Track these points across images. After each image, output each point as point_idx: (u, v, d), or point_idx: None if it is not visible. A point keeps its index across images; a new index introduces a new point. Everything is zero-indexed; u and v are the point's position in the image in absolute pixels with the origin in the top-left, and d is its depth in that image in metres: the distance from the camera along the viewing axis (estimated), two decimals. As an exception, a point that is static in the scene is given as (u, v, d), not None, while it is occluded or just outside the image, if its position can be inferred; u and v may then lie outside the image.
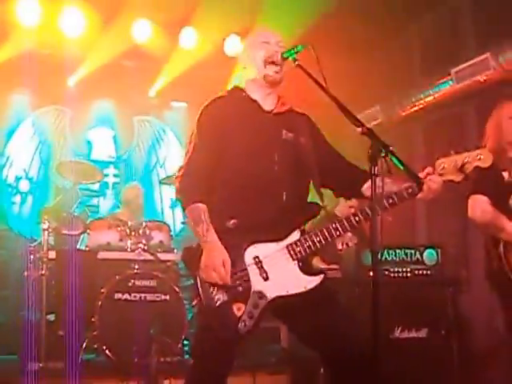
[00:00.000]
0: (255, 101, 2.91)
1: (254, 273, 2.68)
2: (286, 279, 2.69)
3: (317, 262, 5.21)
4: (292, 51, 2.75)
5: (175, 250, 5.56)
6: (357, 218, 2.69)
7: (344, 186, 3.00)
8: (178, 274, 5.15)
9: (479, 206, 3.69)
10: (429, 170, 2.66)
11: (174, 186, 2.85)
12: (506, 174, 3.69)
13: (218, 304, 2.64)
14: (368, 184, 2.82)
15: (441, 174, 2.65)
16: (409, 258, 4.92)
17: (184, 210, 2.80)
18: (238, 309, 2.63)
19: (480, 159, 2.63)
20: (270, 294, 2.67)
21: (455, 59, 5.90)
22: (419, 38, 6.84)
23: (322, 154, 2.94)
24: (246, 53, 2.98)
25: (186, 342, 4.86)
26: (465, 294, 5.57)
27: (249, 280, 2.67)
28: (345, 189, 3.03)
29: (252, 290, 2.66)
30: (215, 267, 2.63)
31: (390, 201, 2.67)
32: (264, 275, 2.68)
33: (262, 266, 2.69)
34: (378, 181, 2.34)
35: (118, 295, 4.81)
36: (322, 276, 2.74)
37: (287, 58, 2.76)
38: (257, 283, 2.67)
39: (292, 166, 2.85)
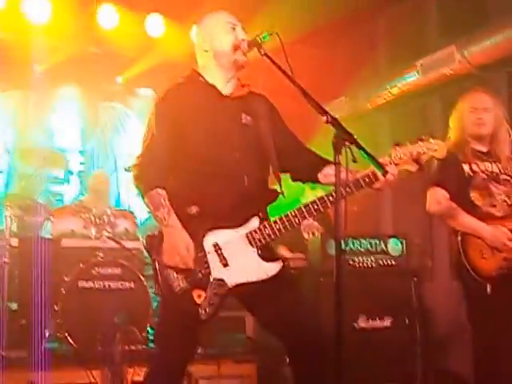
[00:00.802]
0: (213, 86, 2.88)
1: (213, 260, 2.69)
2: (246, 266, 2.70)
3: (282, 251, 5.28)
4: (265, 36, 2.72)
5: (140, 238, 5.52)
6: (315, 206, 2.69)
7: (300, 169, 2.99)
8: (143, 262, 5.11)
9: (435, 199, 3.73)
10: (384, 159, 2.67)
11: (132, 174, 2.81)
12: (466, 167, 3.75)
13: (177, 291, 2.64)
14: (324, 171, 2.88)
15: (397, 164, 2.68)
16: (374, 248, 4.97)
17: (143, 197, 2.77)
18: (198, 296, 2.63)
19: (435, 150, 2.67)
20: (230, 281, 2.67)
21: (421, 51, 5.96)
22: (385, 29, 6.90)
23: (280, 136, 2.94)
24: (211, 36, 2.91)
25: (150, 331, 4.84)
26: (429, 284, 5.66)
27: (208, 267, 2.67)
28: (301, 173, 3.01)
29: (212, 277, 2.67)
30: (178, 251, 2.63)
31: (347, 189, 2.67)
32: (224, 262, 2.69)
33: (221, 253, 2.69)
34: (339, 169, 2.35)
35: (81, 283, 4.76)
36: (281, 263, 2.75)
37: (256, 44, 2.73)
38: (216, 270, 2.68)
39: (252, 151, 2.84)
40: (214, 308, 2.64)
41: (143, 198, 2.77)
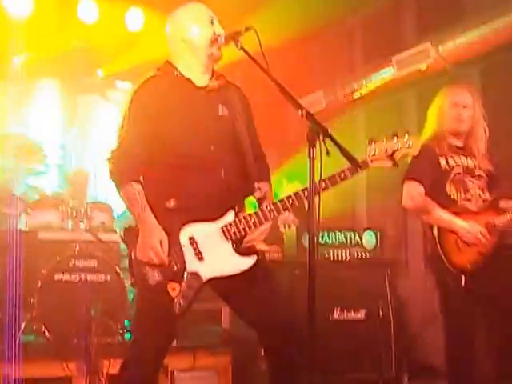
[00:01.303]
0: (188, 78, 2.87)
1: (188, 253, 2.69)
2: (221, 260, 2.72)
3: (258, 244, 5.30)
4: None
5: (118, 231, 5.52)
6: (290, 201, 2.70)
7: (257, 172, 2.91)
8: (120, 255, 5.12)
9: (409, 193, 3.77)
10: (359, 156, 2.68)
11: (107, 168, 2.80)
12: (443, 161, 3.80)
13: (152, 284, 2.65)
14: (259, 185, 2.89)
15: (372, 160, 2.70)
16: (348, 241, 5.03)
17: (118, 190, 2.76)
18: (173, 289, 2.64)
19: (409, 147, 2.70)
20: (205, 274, 2.68)
21: (397, 47, 6.01)
22: (362, 25, 6.93)
23: (249, 133, 2.93)
24: (188, 27, 2.88)
25: (126, 323, 4.85)
26: (403, 276, 5.73)
27: (184, 260, 2.68)
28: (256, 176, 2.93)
29: (187, 270, 2.68)
30: (152, 246, 2.63)
31: (323, 185, 2.66)
32: (199, 256, 2.69)
33: (196, 247, 2.70)
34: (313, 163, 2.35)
35: (58, 276, 4.75)
36: (255, 257, 2.75)
37: (231, 39, 2.73)
38: (191, 264, 2.69)
39: (229, 143, 2.84)
40: (188, 301, 2.65)
41: (118, 191, 2.77)
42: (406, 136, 2.70)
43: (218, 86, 2.91)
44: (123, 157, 2.77)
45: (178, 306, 2.63)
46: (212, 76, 2.93)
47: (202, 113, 2.84)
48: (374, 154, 2.69)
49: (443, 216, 3.69)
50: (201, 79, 2.89)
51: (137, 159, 2.77)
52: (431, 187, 3.75)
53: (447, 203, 3.72)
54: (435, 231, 3.71)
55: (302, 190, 2.70)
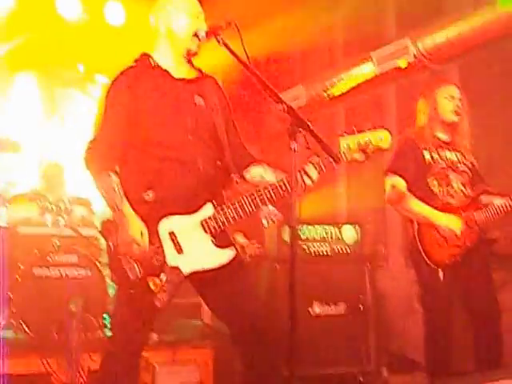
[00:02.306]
0: (165, 69, 2.87)
1: (168, 246, 2.69)
2: (201, 254, 2.71)
3: (238, 238, 5.32)
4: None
5: (97, 226, 5.49)
6: (268, 194, 2.71)
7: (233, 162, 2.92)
8: (100, 250, 5.09)
9: (390, 187, 3.82)
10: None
11: (84, 158, 2.79)
12: (427, 154, 3.82)
13: (132, 279, 2.64)
14: (252, 172, 2.91)
15: (345, 154, 2.71)
16: (329, 236, 5.06)
17: (95, 181, 2.74)
18: (154, 284, 2.63)
19: (380, 140, 2.72)
20: (185, 268, 2.68)
21: (377, 43, 6.05)
22: (342, 20, 6.96)
23: (225, 121, 2.94)
24: (171, 19, 2.89)
25: (107, 318, 4.83)
26: (382, 270, 5.78)
27: (163, 254, 2.68)
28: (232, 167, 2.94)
29: (166, 264, 2.67)
30: (133, 239, 2.62)
31: (304, 177, 2.69)
32: (178, 249, 2.69)
33: (176, 240, 2.69)
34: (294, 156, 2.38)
35: (37, 271, 4.70)
36: (234, 249, 2.77)
37: (212, 34, 2.74)
38: (171, 258, 2.68)
39: (206, 133, 2.85)
40: (168, 295, 2.64)
41: (95, 182, 2.75)
42: (378, 130, 2.72)
43: (194, 78, 2.92)
44: (99, 147, 2.77)
45: (158, 300, 2.62)
46: (189, 67, 2.94)
47: (178, 103, 2.84)
48: (348, 148, 2.70)
49: (424, 211, 3.73)
50: (178, 70, 2.89)
51: (113, 150, 2.77)
52: (414, 181, 3.78)
53: (429, 198, 3.76)
54: (415, 225, 3.76)
55: (279, 183, 2.70)
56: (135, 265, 2.64)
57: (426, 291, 3.86)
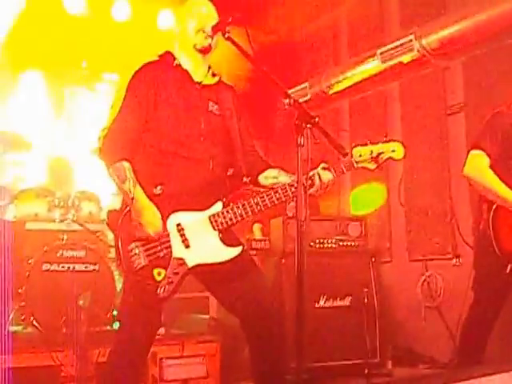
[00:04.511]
0: (185, 70, 2.94)
1: (175, 240, 2.74)
2: (207, 249, 2.76)
3: (256, 230, 5.38)
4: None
5: (104, 221, 5.53)
6: (277, 195, 2.76)
7: (246, 169, 2.96)
8: (107, 245, 5.14)
9: (473, 163, 3.62)
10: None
11: (98, 146, 2.87)
12: None
13: (137, 267, 2.69)
14: (265, 173, 2.98)
15: (357, 162, 2.83)
16: (334, 230, 5.10)
17: (108, 169, 2.79)
18: (158, 274, 2.69)
19: (393, 151, 2.83)
20: (190, 261, 2.73)
21: (381, 40, 6.07)
22: (346, 17, 6.98)
23: (239, 130, 2.99)
24: (180, 20, 2.99)
25: (114, 312, 4.88)
26: (387, 264, 5.83)
27: (170, 246, 2.73)
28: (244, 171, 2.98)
29: (172, 256, 2.72)
30: (147, 220, 2.68)
31: (310, 182, 2.75)
32: (185, 243, 2.74)
33: (183, 234, 2.74)
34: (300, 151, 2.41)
35: (46, 266, 4.76)
36: (241, 247, 2.80)
37: (218, 29, 2.79)
38: (178, 250, 2.73)
39: (218, 137, 2.90)
40: (172, 286, 2.69)
41: (108, 170, 2.79)
42: (392, 142, 2.85)
43: (212, 84, 2.98)
44: (114, 135, 2.82)
45: (162, 290, 2.68)
46: (208, 72, 3.00)
47: (193, 105, 2.89)
48: (359, 156, 2.82)
49: (504, 192, 3.49)
50: (196, 73, 2.95)
51: (128, 139, 2.81)
52: (498, 159, 3.56)
53: (508, 179, 3.53)
54: (491, 213, 3.54)
55: (289, 185, 2.76)
56: (141, 255, 2.69)
57: (484, 279, 3.64)
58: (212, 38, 2.86)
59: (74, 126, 7.76)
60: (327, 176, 2.79)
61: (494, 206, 3.53)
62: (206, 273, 2.82)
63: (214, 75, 3.02)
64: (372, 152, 2.83)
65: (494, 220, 3.52)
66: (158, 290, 2.68)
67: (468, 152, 3.66)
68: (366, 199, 6.18)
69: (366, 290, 4.93)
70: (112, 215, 2.81)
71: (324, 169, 2.80)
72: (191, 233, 2.75)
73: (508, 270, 3.46)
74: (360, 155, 2.83)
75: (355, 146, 2.84)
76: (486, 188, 3.57)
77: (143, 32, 7.12)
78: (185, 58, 2.96)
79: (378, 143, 2.85)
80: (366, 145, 2.84)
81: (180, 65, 2.95)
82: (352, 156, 2.82)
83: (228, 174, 2.93)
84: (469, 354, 3.66)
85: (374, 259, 5.03)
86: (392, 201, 6.03)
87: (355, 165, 2.84)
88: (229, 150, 2.92)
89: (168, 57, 2.98)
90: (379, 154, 2.82)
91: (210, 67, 3.02)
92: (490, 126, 3.64)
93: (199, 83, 2.95)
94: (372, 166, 2.86)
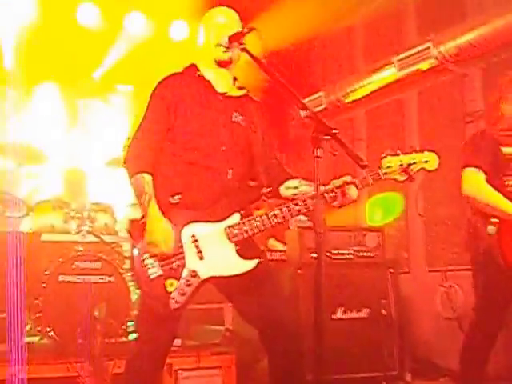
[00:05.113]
0: (208, 81, 2.94)
1: (189, 251, 2.72)
2: (221, 261, 2.74)
3: (273, 242, 5.35)
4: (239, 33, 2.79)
5: (119, 232, 5.54)
6: (297, 207, 2.73)
7: (267, 180, 2.95)
8: (123, 256, 5.14)
9: (469, 180, 3.62)
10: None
11: (123, 155, 2.89)
12: (504, 148, 3.61)
13: (150, 277, 2.68)
14: (286, 184, 2.94)
15: (385, 173, 2.74)
16: (351, 240, 5.05)
17: (129, 179, 2.81)
18: (170, 285, 2.68)
19: (426, 162, 2.75)
20: (204, 273, 2.71)
21: (398, 47, 6.04)
22: (362, 25, 6.96)
23: (263, 143, 2.98)
24: (201, 32, 3.00)
25: (130, 324, 4.87)
26: (405, 275, 5.76)
27: (184, 257, 2.71)
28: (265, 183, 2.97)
29: (186, 267, 2.71)
30: (156, 238, 2.68)
31: (332, 194, 2.73)
32: (199, 254, 2.72)
33: (198, 245, 2.73)
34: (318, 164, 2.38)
35: (62, 277, 4.75)
36: (257, 261, 2.77)
37: (234, 40, 2.79)
38: (191, 262, 2.72)
39: (239, 148, 2.89)
40: (184, 298, 2.68)
41: (130, 180, 2.81)
42: (425, 152, 2.76)
43: (238, 96, 2.98)
44: (138, 147, 2.85)
45: (174, 301, 2.66)
46: (233, 85, 3.00)
47: (216, 115, 2.89)
48: (388, 167, 2.74)
49: (505, 206, 3.48)
50: (220, 85, 2.95)
51: (150, 150, 2.84)
52: (492, 176, 3.56)
53: (508, 195, 3.53)
54: (491, 227, 3.52)
55: (309, 197, 2.72)
56: (155, 265, 2.69)
57: (487, 295, 3.63)
58: (231, 50, 2.86)
59: (89, 137, 7.79)
60: (351, 191, 2.74)
61: (495, 220, 3.50)
62: (224, 285, 2.81)
63: (240, 89, 3.02)
64: (402, 162, 2.73)
65: (498, 234, 3.48)
66: (170, 301, 2.66)
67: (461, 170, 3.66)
68: (384, 209, 6.13)
69: (383, 301, 4.87)
70: (132, 224, 2.82)
71: (348, 183, 2.74)
72: (206, 244, 2.73)
73: None
74: (389, 166, 2.74)
75: (385, 156, 2.75)
76: (488, 204, 3.54)
77: (157, 43, 7.15)
78: (207, 70, 2.96)
79: (410, 153, 2.75)
80: (396, 155, 2.75)
81: (203, 75, 2.95)
82: (380, 166, 2.74)
83: (249, 185, 2.91)
84: (472, 376, 3.63)
85: (391, 270, 4.97)
86: (410, 210, 5.97)
87: (382, 176, 2.75)
88: (250, 161, 2.91)
89: (192, 68, 2.99)
90: (410, 164, 2.73)
91: (235, 79, 3.02)
92: (479, 144, 3.65)
93: (223, 94, 2.95)
94: (401, 177, 2.76)
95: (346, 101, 6.43)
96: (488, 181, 3.55)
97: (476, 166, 3.58)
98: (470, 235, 3.71)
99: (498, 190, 3.53)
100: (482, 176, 3.56)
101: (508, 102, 3.69)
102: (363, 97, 6.26)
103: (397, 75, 5.79)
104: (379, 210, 6.19)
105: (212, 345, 4.85)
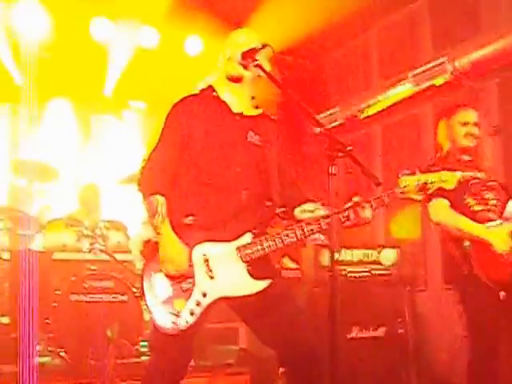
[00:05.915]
0: (224, 101, 2.92)
1: (199, 271, 2.70)
2: (232, 281, 2.70)
3: (287, 261, 5.30)
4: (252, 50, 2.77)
5: (132, 250, 5.50)
6: (310, 227, 2.70)
7: (282, 201, 2.93)
8: (135, 275, 5.09)
9: (436, 208, 3.72)
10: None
11: (138, 177, 2.87)
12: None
13: (163, 299, 2.67)
14: (302, 207, 2.90)
15: (402, 192, 2.70)
16: (367, 259, 4.99)
17: (144, 201, 2.80)
18: (178, 304, 2.65)
19: (444, 181, 2.71)
20: (214, 293, 2.68)
21: (413, 62, 6.01)
22: (377, 40, 6.94)
23: (278, 163, 2.95)
24: (221, 53, 2.97)
25: (142, 343, 4.82)
26: (422, 293, 5.67)
27: (193, 277, 2.69)
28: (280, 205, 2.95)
29: (196, 287, 2.68)
30: (170, 258, 2.67)
31: (345, 214, 2.69)
32: (210, 274, 2.69)
33: (208, 265, 2.70)
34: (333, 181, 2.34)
35: (73, 296, 4.73)
36: (269, 281, 2.72)
37: (248, 56, 2.77)
38: (201, 281, 2.69)
39: (254, 168, 2.86)
40: (194, 318, 2.64)
41: (144, 201, 2.81)
42: (443, 171, 2.73)
43: (254, 115, 2.95)
44: (152, 168, 2.85)
45: (184, 322, 2.63)
46: (250, 104, 2.97)
47: (231, 136, 2.87)
48: (405, 186, 2.69)
49: (474, 229, 3.61)
50: (236, 104, 2.93)
51: (164, 172, 2.83)
52: (454, 201, 3.69)
53: (471, 216, 3.67)
54: (467, 245, 3.64)
55: (323, 218, 2.68)
56: (165, 285, 2.67)
57: (479, 314, 3.66)
58: (244, 66, 2.83)
59: (102, 153, 7.80)
60: (366, 212, 2.70)
61: (467, 243, 3.62)
62: (238, 305, 2.77)
63: (257, 108, 2.99)
64: (419, 182, 2.69)
65: (475, 255, 3.59)
66: (178, 321, 2.63)
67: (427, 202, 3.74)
68: (405, 226, 6.07)
69: (399, 320, 4.80)
70: (145, 245, 2.85)
71: (362, 206, 2.69)
72: (217, 264, 2.71)
73: (501, 297, 3.53)
74: (405, 186, 2.69)
75: (402, 175, 2.71)
76: (458, 228, 3.67)
77: (171, 59, 7.15)
78: (223, 90, 2.95)
79: (427, 172, 2.72)
80: (414, 173, 2.71)
81: (218, 96, 2.93)
82: (397, 185, 2.70)
83: (264, 204, 2.87)
84: None
85: (408, 288, 4.90)
86: (426, 227, 5.89)
87: (399, 195, 2.70)
88: (266, 181, 2.88)
89: (208, 90, 2.98)
90: (427, 183, 2.69)
91: (253, 98, 2.99)
92: None
93: (239, 114, 2.93)
94: (418, 196, 2.71)
95: (362, 116, 6.40)
96: (452, 206, 3.68)
97: (439, 196, 3.64)
98: (450, 261, 3.79)
99: (463, 213, 3.66)
100: (446, 203, 3.68)
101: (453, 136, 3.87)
102: (379, 112, 6.22)
103: (412, 90, 5.75)
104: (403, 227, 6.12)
105: (226, 365, 4.82)
